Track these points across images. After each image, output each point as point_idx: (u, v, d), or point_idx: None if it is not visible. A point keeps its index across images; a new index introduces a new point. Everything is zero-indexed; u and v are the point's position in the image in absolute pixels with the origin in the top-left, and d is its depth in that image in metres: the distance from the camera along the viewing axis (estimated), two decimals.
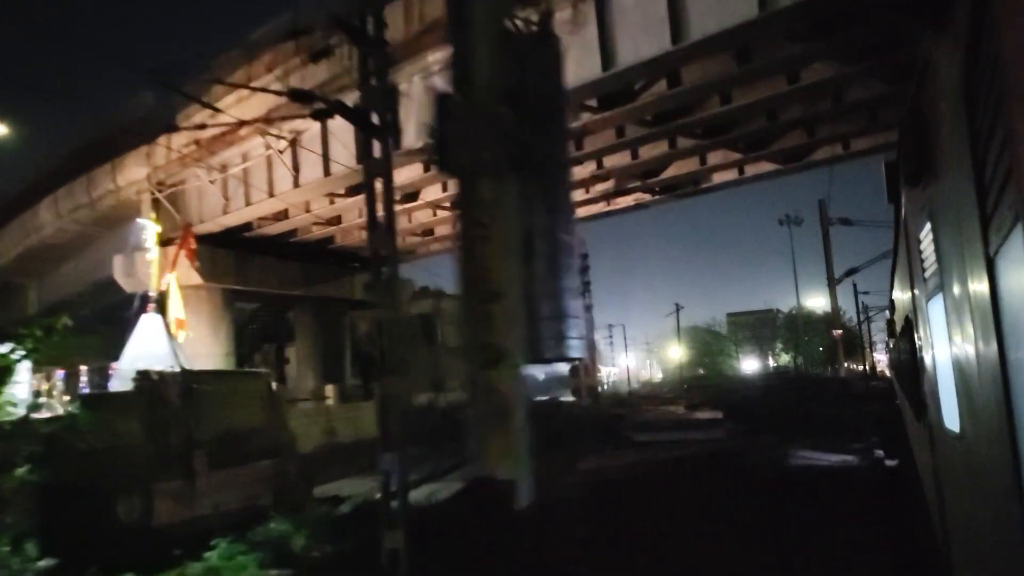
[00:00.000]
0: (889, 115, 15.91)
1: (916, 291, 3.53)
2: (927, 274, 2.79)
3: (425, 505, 14.50)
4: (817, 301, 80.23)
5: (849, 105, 15.00)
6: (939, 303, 2.46)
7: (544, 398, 65.41)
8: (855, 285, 64.78)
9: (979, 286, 1.65)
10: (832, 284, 25.53)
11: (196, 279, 20.58)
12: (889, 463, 13.29)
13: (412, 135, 15.78)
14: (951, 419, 2.53)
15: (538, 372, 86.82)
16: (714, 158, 18.69)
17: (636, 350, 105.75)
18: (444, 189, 19.53)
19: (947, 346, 2.34)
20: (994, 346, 1.54)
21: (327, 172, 16.99)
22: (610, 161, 18.42)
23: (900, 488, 9.70)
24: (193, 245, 18.08)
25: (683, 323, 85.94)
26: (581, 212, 23.15)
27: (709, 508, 10.64)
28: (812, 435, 19.56)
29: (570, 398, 66.35)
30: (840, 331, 24.98)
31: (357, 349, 36.38)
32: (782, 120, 15.70)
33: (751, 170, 19.91)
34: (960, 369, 2.14)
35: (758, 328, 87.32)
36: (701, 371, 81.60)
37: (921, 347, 3.81)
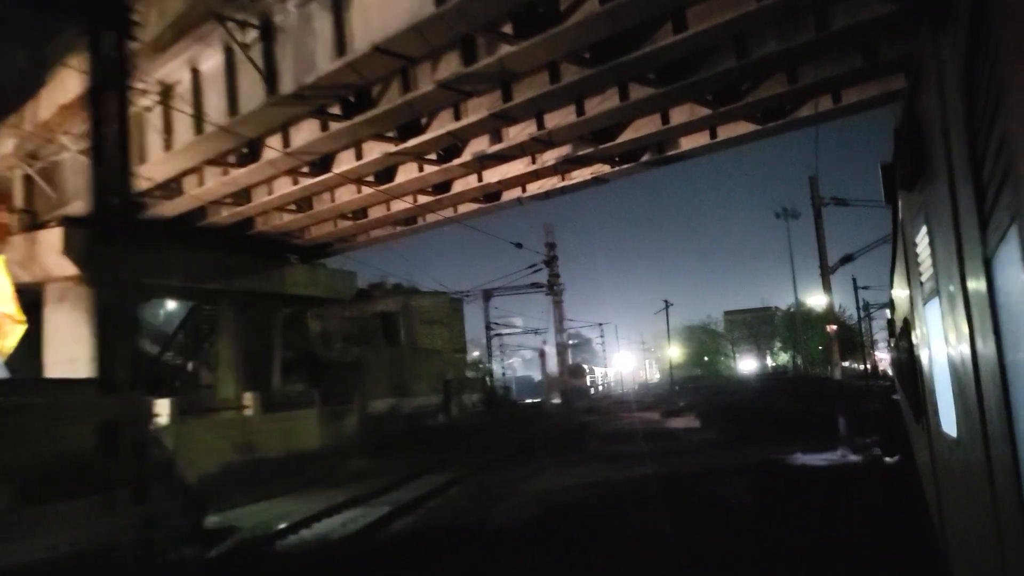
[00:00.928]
0: (892, 51, 12.74)
1: (913, 294, 3.52)
2: (924, 277, 2.84)
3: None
4: (817, 299, 78.10)
5: (837, 35, 11.81)
6: (936, 306, 2.51)
7: (536, 400, 63.79)
8: (854, 280, 61.92)
9: (976, 289, 1.65)
10: (825, 272, 22.38)
11: (70, 269, 17.43)
12: (889, 460, 13.04)
13: (290, 77, 12.70)
14: (949, 423, 2.58)
15: (535, 374, 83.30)
16: (678, 115, 15.49)
17: (634, 349, 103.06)
18: (359, 156, 16.39)
19: (944, 350, 2.39)
20: (991, 350, 1.54)
21: (199, 130, 13.84)
22: (552, 120, 15.23)
23: (900, 488, 9.16)
24: (3, 220, 14.92)
25: (681, 321, 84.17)
26: (531, 188, 19.99)
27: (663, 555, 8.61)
28: (806, 440, 17.05)
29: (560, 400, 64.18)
30: (835, 327, 21.81)
31: (302, 351, 33.23)
32: (754, 58, 12.50)
33: (725, 132, 16.70)
34: (957, 373, 2.16)
35: (756, 326, 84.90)
36: (698, 371, 79.45)
37: (919, 350, 3.79)
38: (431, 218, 22.12)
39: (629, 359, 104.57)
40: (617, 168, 18.21)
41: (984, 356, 1.63)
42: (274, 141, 15.32)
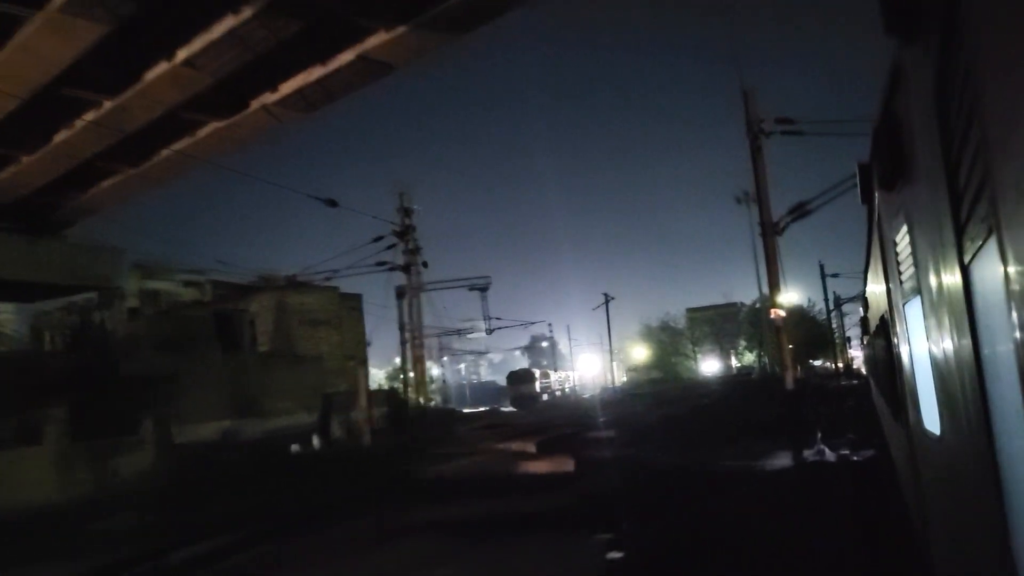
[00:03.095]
0: None
1: (892, 292, 3.58)
2: (903, 277, 2.87)
3: None
4: (788, 296, 72.35)
5: None
6: (916, 306, 2.54)
7: (484, 408, 56.69)
8: (822, 267, 55.58)
9: (956, 293, 1.66)
10: (768, 231, 14.99)
11: None
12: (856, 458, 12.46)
13: None
14: (931, 421, 2.62)
15: (500, 379, 75.30)
16: None
17: (599, 351, 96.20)
18: None
19: (926, 349, 2.42)
20: (968, 350, 1.57)
21: None
22: None
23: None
24: None
25: (643, 319, 78.50)
26: (285, 87, 12.16)
27: None
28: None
29: (509, 408, 55.80)
30: (782, 312, 14.20)
31: (88, 361, 25.08)
32: None
33: None
34: (940, 373, 2.19)
35: (720, 324, 78.71)
36: (656, 374, 73.69)
37: (898, 348, 3.86)
38: (168, 156, 14.21)
39: (593, 361, 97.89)
40: (391, 34, 10.46)
41: (964, 358, 1.66)
42: None
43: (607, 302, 44.72)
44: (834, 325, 59.85)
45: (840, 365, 57.25)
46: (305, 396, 32.86)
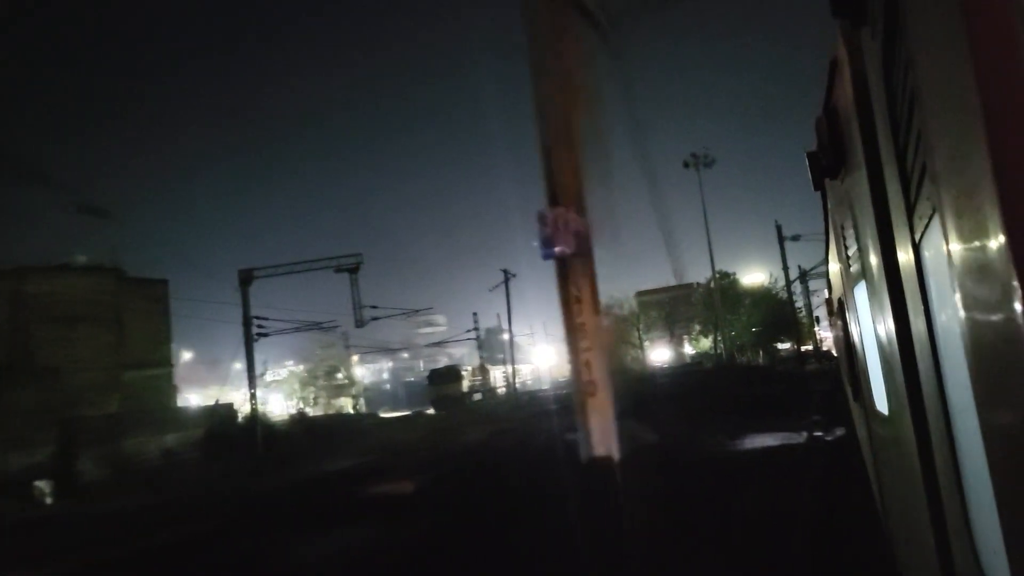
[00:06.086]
0: None
1: (844, 277, 3.69)
2: (851, 261, 2.93)
3: None
4: (754, 276, 63.32)
5: None
6: (863, 289, 2.60)
7: (406, 412, 50.53)
8: (779, 227, 45.84)
9: (907, 271, 1.69)
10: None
11: None
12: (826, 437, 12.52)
13: None
14: (880, 401, 2.75)
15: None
16: None
17: (554, 343, 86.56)
18: None
19: (872, 331, 2.54)
20: (922, 330, 1.60)
21: None
22: None
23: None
24: None
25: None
26: None
27: None
28: None
29: (431, 411, 49.15)
30: (578, 219, 2.84)
31: None
32: None
33: None
34: (884, 353, 2.25)
35: (672, 308, 69.56)
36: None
37: (852, 330, 3.98)
38: None
39: (549, 354, 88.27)
40: None
41: (906, 336, 1.72)
42: None
43: (507, 280, 34.67)
44: (801, 303, 51.14)
45: (808, 347, 48.58)
46: (35, 424, 22.13)
